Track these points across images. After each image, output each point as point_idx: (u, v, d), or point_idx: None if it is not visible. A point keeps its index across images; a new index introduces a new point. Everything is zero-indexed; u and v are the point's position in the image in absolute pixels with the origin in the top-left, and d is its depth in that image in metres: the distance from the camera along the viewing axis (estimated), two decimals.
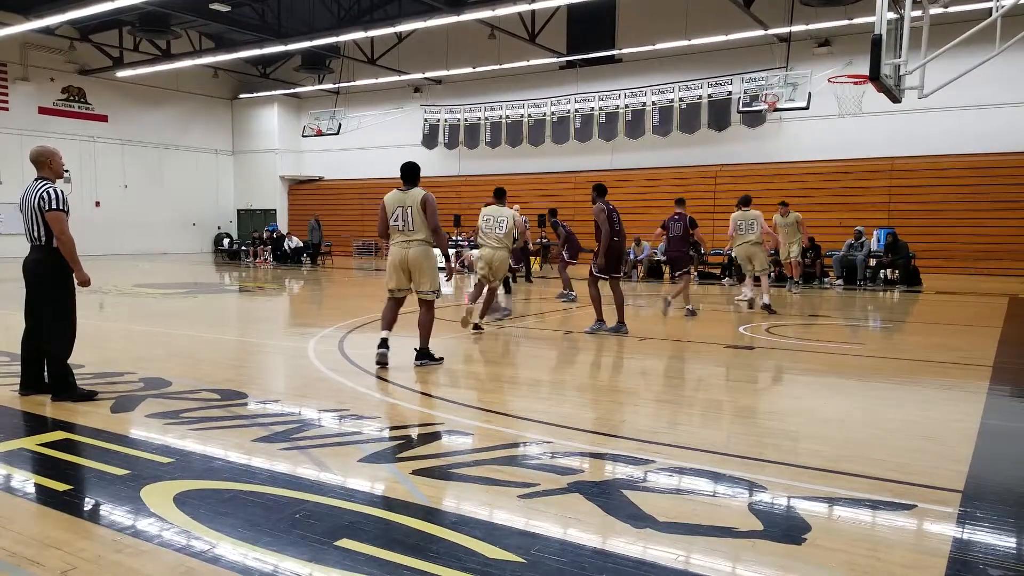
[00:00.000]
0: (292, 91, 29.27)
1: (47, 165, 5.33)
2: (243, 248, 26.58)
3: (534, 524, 3.30)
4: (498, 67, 23.11)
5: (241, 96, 30.58)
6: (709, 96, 21.38)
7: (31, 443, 4.33)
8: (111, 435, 4.55)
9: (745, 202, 11.58)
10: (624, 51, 22.13)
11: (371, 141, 28.10)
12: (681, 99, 21.79)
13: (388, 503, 3.53)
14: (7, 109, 24.89)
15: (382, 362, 6.65)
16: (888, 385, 6.35)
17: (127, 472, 3.87)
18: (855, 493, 3.70)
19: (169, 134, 29.30)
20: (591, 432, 4.75)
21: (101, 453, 4.18)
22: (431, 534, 3.18)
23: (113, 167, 27.64)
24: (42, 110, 25.70)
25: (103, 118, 27.36)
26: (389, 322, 6.87)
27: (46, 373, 5.41)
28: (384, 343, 6.71)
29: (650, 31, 21.41)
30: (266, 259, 24.82)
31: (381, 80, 25.54)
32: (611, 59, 23.03)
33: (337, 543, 3.07)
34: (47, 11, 18.62)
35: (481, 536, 3.15)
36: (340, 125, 26.12)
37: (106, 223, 26.93)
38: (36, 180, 5.32)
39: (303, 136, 28.72)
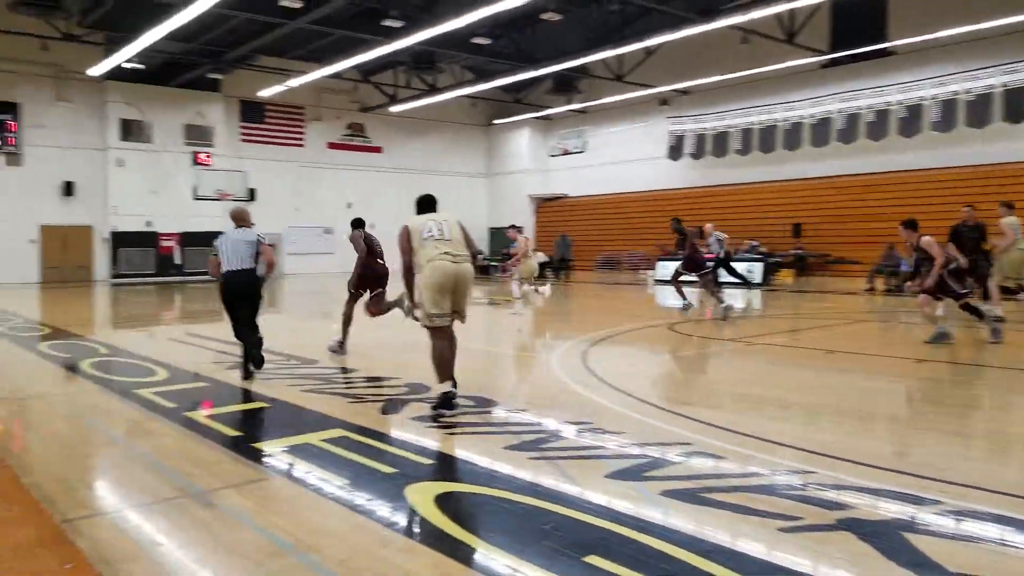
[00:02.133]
0: (542, 114, 30.38)
1: (247, 219, 7.25)
2: (493, 264, 27.98)
3: (798, 563, 2.97)
4: (750, 72, 22.09)
5: (495, 122, 32.35)
6: (1004, 85, 18.62)
7: (315, 439, 4.80)
8: (380, 435, 4.91)
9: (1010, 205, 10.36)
10: (897, 43, 20.05)
11: (615, 156, 28.28)
12: (968, 90, 19.22)
13: (637, 523, 3.39)
14: (303, 145, 28.62)
15: (437, 418, 5.21)
16: None
17: (394, 471, 4.13)
18: None
19: (432, 161, 31.80)
20: (859, 464, 4.23)
21: (372, 451, 4.51)
22: (683, 560, 2.98)
23: (387, 193, 30.55)
24: (330, 145, 29.24)
25: (378, 149, 30.46)
26: (451, 368, 5.38)
27: (250, 356, 6.99)
28: (448, 402, 5.30)
29: (927, 18, 19.18)
30: (513, 275, 25.81)
31: (627, 96, 25.61)
32: (882, 52, 20.97)
33: (585, 559, 2.99)
34: (337, 58, 21.18)
35: (737, 569, 2.90)
36: (586, 143, 26.59)
37: (385, 241, 29.77)
38: (242, 228, 7.14)
39: (550, 156, 29.66)
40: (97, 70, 21.32)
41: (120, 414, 5.67)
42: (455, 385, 5.40)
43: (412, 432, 4.97)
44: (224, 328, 7.67)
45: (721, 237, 18.09)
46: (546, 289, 15.87)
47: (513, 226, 14.96)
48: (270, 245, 7.19)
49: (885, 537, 3.18)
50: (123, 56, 19.62)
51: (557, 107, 29.01)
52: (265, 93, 24.72)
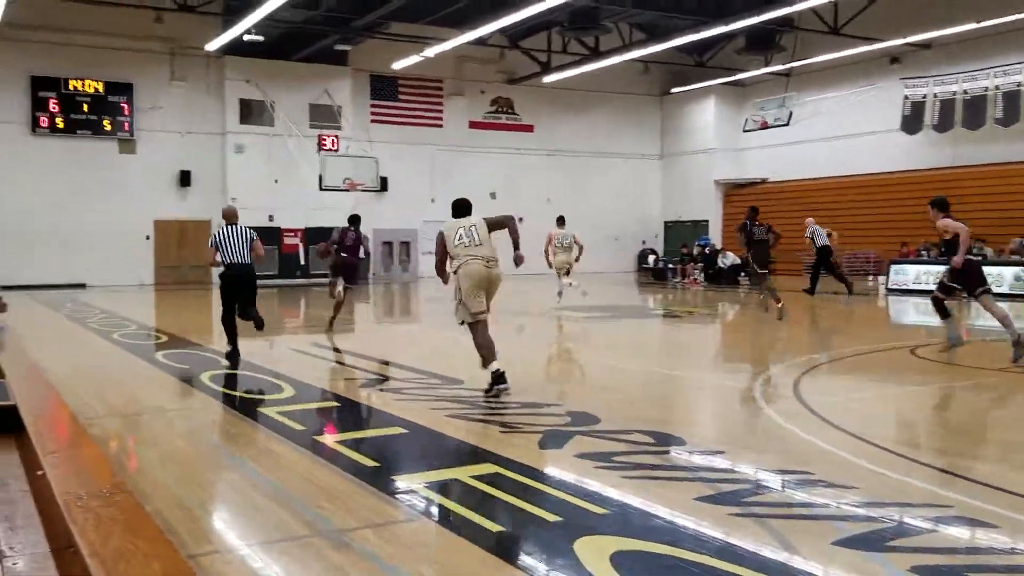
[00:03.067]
0: (733, 79, 29.67)
1: (237, 218, 9.74)
2: (670, 266, 27.62)
3: None
4: (1016, 17, 20.47)
5: (673, 91, 31.99)
6: None
7: (463, 474, 4.88)
8: (540, 474, 4.92)
9: None
10: None
11: (829, 130, 27.11)
12: None
13: None
14: (441, 125, 29.62)
15: (497, 396, 7.07)
16: None
17: (558, 519, 4.11)
18: None
19: (594, 140, 31.93)
20: None
21: (531, 493, 4.52)
22: None
23: (537, 180, 30.97)
24: (472, 124, 30.10)
25: (529, 128, 30.98)
26: (494, 350, 7.28)
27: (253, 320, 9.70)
28: (502, 377, 7.12)
29: None
30: (696, 279, 25.43)
31: (845, 53, 24.48)
32: None
33: None
34: (481, 21, 21.71)
35: None
36: (791, 114, 25.70)
37: (530, 239, 29.94)
38: (233, 226, 9.57)
39: (744, 131, 28.92)
40: (214, 44, 23.07)
41: (243, 434, 6.05)
42: (504, 376, 7.13)
43: (579, 472, 4.95)
44: (355, 339, 7.99)
45: (820, 231, 17.66)
46: (569, 282, 16.00)
47: (559, 217, 16.70)
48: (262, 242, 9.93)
49: None
50: (242, 27, 21.10)
51: (753, 70, 28.22)
52: (398, 65, 25.78)
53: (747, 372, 8.88)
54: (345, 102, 27.33)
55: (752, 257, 14.32)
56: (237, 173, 25.97)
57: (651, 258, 30.74)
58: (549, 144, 31.22)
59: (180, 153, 25.75)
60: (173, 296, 21.56)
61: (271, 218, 26.19)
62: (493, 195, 29.41)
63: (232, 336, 9.72)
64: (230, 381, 8.41)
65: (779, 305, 13.60)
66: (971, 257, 9.60)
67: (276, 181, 26.29)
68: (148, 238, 25.48)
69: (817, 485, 4.68)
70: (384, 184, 27.44)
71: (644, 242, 33.03)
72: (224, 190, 25.92)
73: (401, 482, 4.83)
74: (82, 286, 24.03)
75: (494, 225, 7.58)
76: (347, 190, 25.61)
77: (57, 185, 24.08)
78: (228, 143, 26.01)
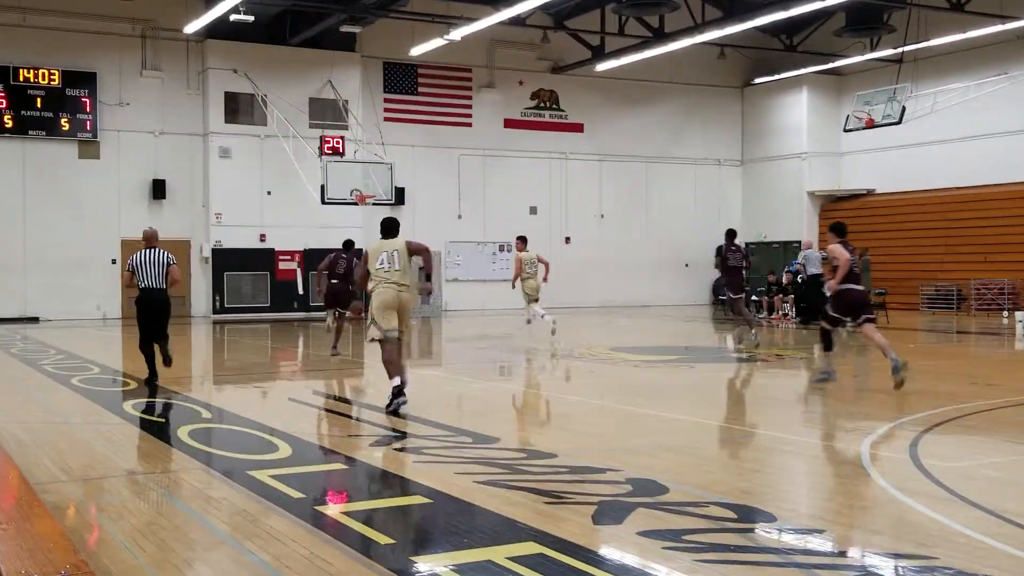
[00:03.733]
0: (830, 66, 29.61)
1: (157, 240, 11.71)
2: (753, 298, 27.43)
3: None
4: None
5: (756, 81, 32.01)
6: None
7: (499, 555, 4.88)
8: (595, 556, 4.90)
9: None
10: None
11: (951, 130, 26.97)
12: None
13: None
14: (469, 124, 29.82)
15: (396, 412, 9.28)
16: None
17: None
18: None
19: (657, 142, 31.99)
20: None
21: None
22: None
23: (587, 190, 31.03)
24: (508, 123, 30.28)
25: (577, 127, 31.14)
26: (400, 368, 9.59)
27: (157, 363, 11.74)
28: (401, 391, 9.39)
29: None
30: (786, 314, 25.26)
31: (971, 34, 24.38)
32: None
33: None
34: None
35: None
36: (903, 109, 25.53)
37: (577, 264, 30.18)
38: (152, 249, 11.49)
39: (844, 131, 28.79)
40: (195, 26, 23.44)
41: (229, 503, 6.09)
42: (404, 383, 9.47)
43: (642, 554, 4.93)
44: (365, 386, 8.03)
45: (813, 257, 21.58)
46: (543, 313, 17.38)
47: (520, 237, 18.50)
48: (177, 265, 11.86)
49: None
50: (228, 4, 21.34)
51: (855, 55, 28.18)
52: (418, 51, 26.04)
53: (851, 431, 8.80)
54: (353, 96, 27.69)
55: (726, 284, 17.54)
56: (222, 183, 26.35)
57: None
58: (602, 147, 31.35)
59: (153, 159, 26.20)
60: None
61: (263, 238, 26.48)
62: (533, 210, 29.56)
63: (150, 363, 11.74)
64: (214, 437, 8.50)
65: (752, 331, 16.94)
66: (854, 287, 11.31)
67: (269, 193, 26.62)
68: (114, 262, 25.74)
69: (941, 573, 4.63)
70: (400, 197, 27.61)
71: None
72: (206, 203, 26.28)
73: (422, 564, 4.83)
74: (34, 320, 24.42)
75: (414, 251, 9.86)
76: (355, 203, 25.63)
77: (3, 198, 24.54)
78: (211, 146, 26.40)
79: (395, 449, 8.01)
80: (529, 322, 18.01)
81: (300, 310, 26.51)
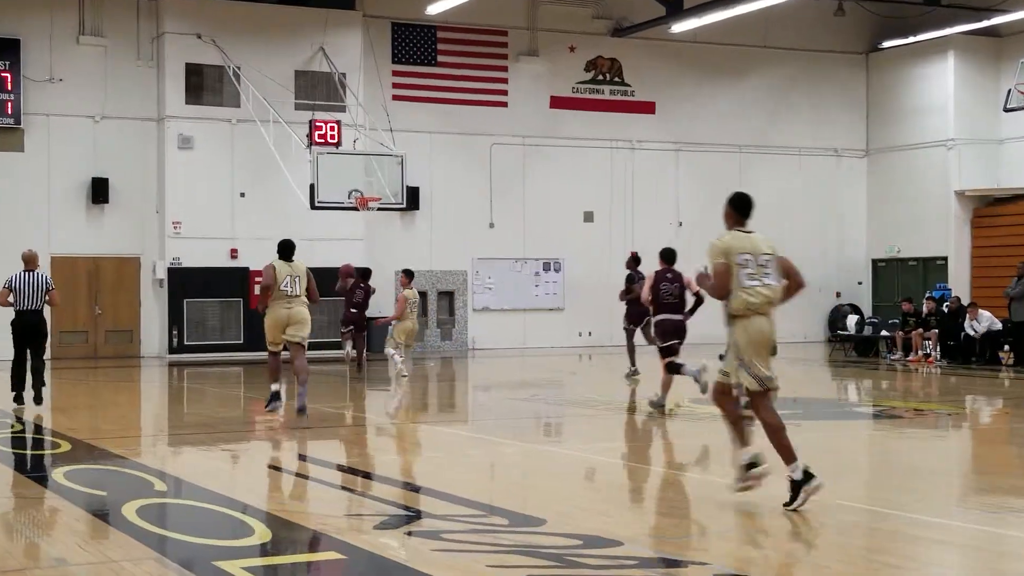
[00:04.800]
0: (985, 23, 29.34)
1: (37, 263, 15.93)
2: (884, 333, 27.21)
3: None
4: None
5: (885, 45, 31.83)
6: None
7: None
8: None
9: None
10: None
11: None
12: None
13: None
14: (504, 104, 29.78)
15: (275, 411, 14.58)
16: None
17: None
18: None
19: (752, 126, 31.84)
20: None
21: None
22: None
23: (661, 189, 30.84)
24: (555, 102, 30.21)
25: (648, 107, 31.07)
26: (278, 375, 14.68)
27: (33, 387, 15.55)
28: (278, 396, 14.69)
29: None
30: (929, 354, 25.05)
31: None
32: None
33: None
34: None
35: None
36: None
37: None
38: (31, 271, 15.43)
39: (1005, 110, 28.60)
40: None
41: None
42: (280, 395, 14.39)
43: None
44: (366, 448, 8.03)
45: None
46: (401, 365, 19.88)
47: (406, 271, 20.87)
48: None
49: None
50: None
51: (1017, 11, 27.97)
52: (437, 8, 26.13)
53: (1000, 508, 8.72)
54: (352, 68, 27.73)
55: (625, 314, 20.23)
56: (181, 182, 26.42)
57: (851, 320, 30.30)
58: (680, 132, 31.27)
59: (92, 151, 26.29)
60: (80, 377, 21.95)
61: (234, 254, 26.45)
62: (589, 217, 29.46)
63: (18, 386, 15.33)
64: (170, 516, 8.50)
65: (632, 368, 20.02)
66: (671, 317, 14.61)
67: (242, 195, 26.71)
68: None
69: None
70: (414, 199, 27.64)
71: (839, 293, 32.71)
72: (161, 209, 26.35)
73: None
74: None
75: (309, 283, 14.36)
76: (355, 208, 25.48)
77: None
78: (168, 135, 26.53)
79: (407, 533, 7.98)
80: (404, 375, 20.13)
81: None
